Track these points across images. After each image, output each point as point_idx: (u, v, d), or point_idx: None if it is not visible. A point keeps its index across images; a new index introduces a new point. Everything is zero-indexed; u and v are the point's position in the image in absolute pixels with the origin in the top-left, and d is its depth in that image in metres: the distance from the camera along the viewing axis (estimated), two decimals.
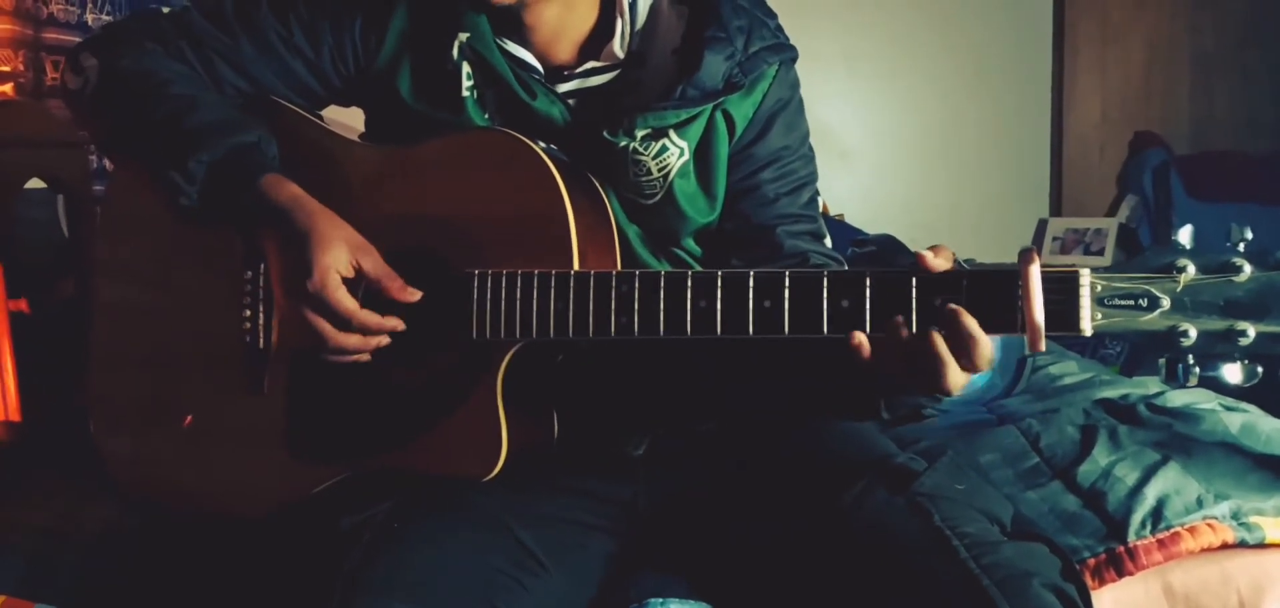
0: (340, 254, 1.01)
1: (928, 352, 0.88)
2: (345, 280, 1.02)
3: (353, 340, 1.02)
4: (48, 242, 2.37)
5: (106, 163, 2.64)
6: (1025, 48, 3.61)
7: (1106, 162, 3.62)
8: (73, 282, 2.28)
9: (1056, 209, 3.64)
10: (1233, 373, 0.84)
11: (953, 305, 0.88)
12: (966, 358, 0.88)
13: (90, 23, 2.58)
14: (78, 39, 2.55)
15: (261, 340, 1.12)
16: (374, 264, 1.03)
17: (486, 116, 1.12)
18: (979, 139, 3.56)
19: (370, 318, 1.02)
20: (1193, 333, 0.84)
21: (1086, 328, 0.85)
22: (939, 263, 0.90)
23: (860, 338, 0.90)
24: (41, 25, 2.51)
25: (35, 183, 2.32)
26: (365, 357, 1.04)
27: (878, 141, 3.53)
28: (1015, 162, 3.60)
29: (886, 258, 2.18)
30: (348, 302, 1.01)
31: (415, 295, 1.03)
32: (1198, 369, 0.85)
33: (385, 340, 1.04)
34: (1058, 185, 3.65)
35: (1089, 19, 3.63)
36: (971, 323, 0.87)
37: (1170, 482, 1.30)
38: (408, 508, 1.07)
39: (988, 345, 0.88)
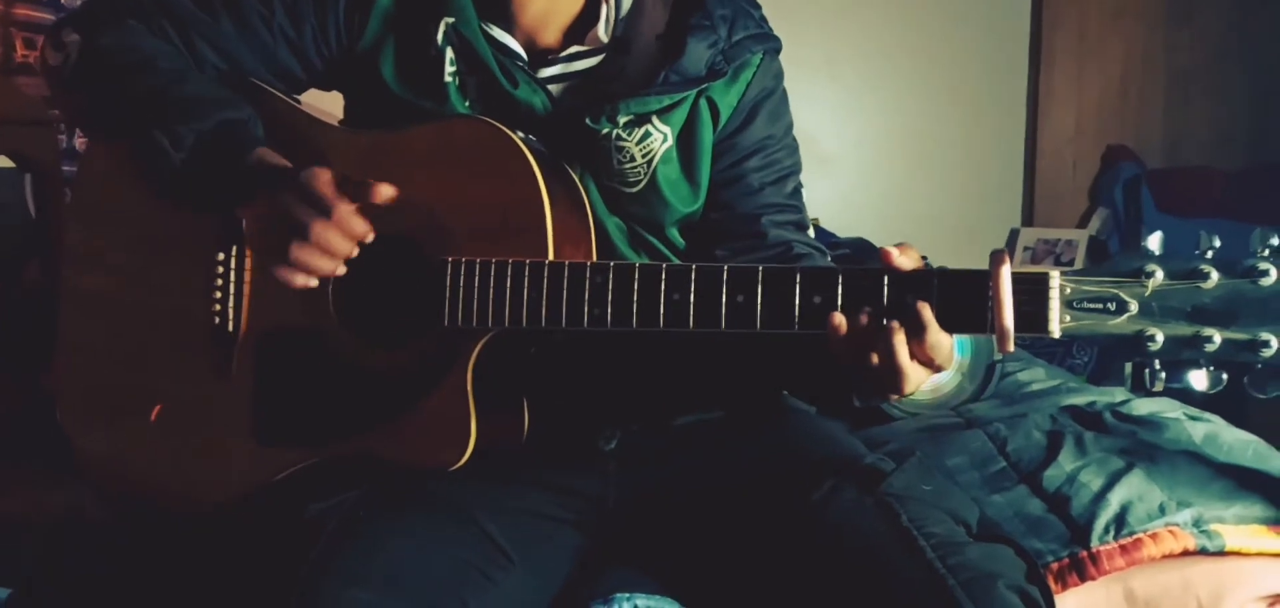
0: (326, 171, 0.99)
1: (886, 342, 0.88)
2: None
3: (332, 235, 0.98)
4: (14, 222, 2.34)
5: (77, 143, 2.61)
6: (1002, 60, 3.64)
7: (1079, 174, 3.66)
8: (40, 263, 2.24)
9: (1028, 219, 3.68)
10: (1198, 380, 0.84)
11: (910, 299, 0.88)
12: (920, 348, 0.88)
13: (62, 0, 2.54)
14: (48, 15, 2.52)
15: (231, 324, 1.11)
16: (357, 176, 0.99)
17: (468, 104, 1.11)
18: (955, 148, 3.58)
19: (346, 210, 0.98)
20: (1160, 338, 0.84)
21: (1055, 330, 0.85)
22: (904, 261, 0.90)
23: (838, 319, 0.90)
24: (12, 0, 2.47)
25: (2, 162, 2.28)
26: (340, 268, 1.00)
27: (856, 148, 3.55)
28: (990, 171, 3.63)
29: (858, 262, 2.19)
30: (329, 189, 0.98)
31: (390, 191, 0.98)
32: (1164, 375, 0.85)
33: (354, 251, 1.00)
34: (1030, 196, 3.68)
35: (1066, 33, 3.66)
36: (926, 311, 0.87)
37: (1134, 488, 1.32)
38: (375, 498, 1.06)
39: (939, 336, 0.88)
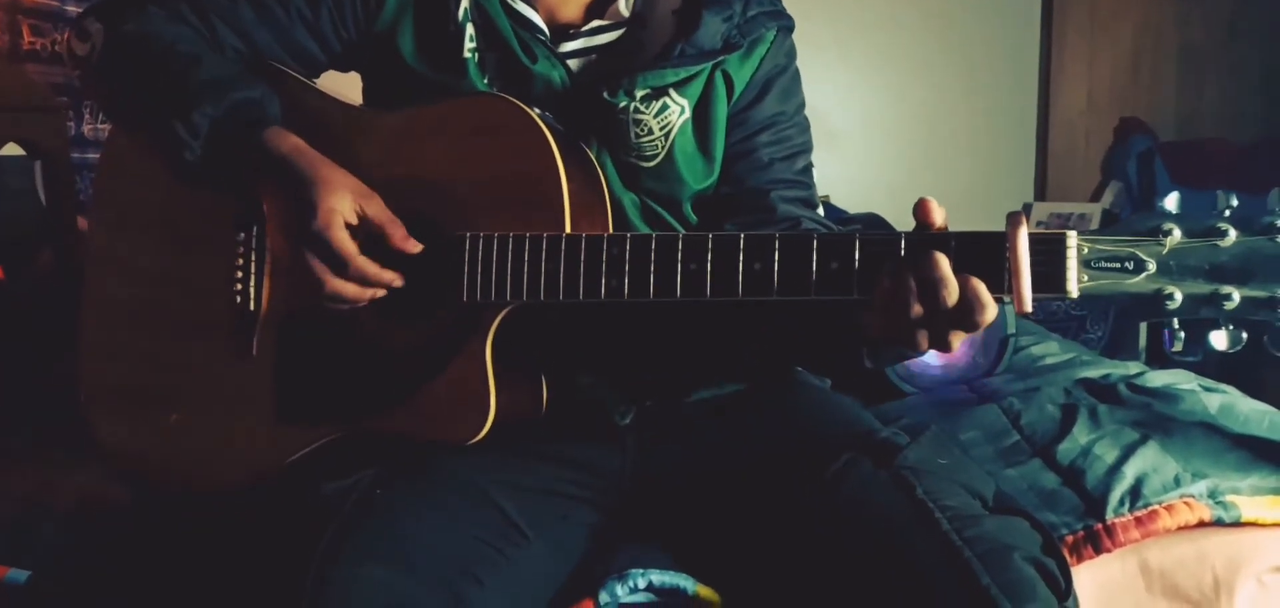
0: (345, 198, 1.01)
1: (905, 295, 0.86)
2: (349, 227, 1.01)
3: (350, 288, 1.01)
4: (25, 210, 2.35)
5: (86, 130, 2.62)
6: (1014, 34, 3.62)
7: (1092, 148, 3.65)
8: (51, 250, 2.25)
9: (1041, 194, 3.67)
10: (1219, 339, 0.84)
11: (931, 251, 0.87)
12: (938, 301, 0.86)
13: None
14: (55, 3, 2.52)
15: (252, 303, 1.12)
16: (378, 210, 1.02)
17: (486, 80, 1.11)
18: (967, 123, 3.57)
19: (367, 266, 1.01)
20: (1178, 296, 0.84)
21: (1073, 290, 0.85)
22: (938, 216, 0.89)
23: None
24: None
25: (12, 149, 2.29)
26: (362, 302, 1.03)
27: (866, 124, 3.53)
28: (1002, 146, 3.62)
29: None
30: (348, 245, 1.00)
31: (416, 246, 1.02)
32: (1183, 335, 0.85)
33: (381, 292, 1.03)
34: (1043, 171, 3.67)
35: (1078, 7, 3.64)
36: (944, 264, 0.85)
37: (1149, 460, 1.31)
38: (391, 476, 1.07)
39: (956, 290, 0.86)
